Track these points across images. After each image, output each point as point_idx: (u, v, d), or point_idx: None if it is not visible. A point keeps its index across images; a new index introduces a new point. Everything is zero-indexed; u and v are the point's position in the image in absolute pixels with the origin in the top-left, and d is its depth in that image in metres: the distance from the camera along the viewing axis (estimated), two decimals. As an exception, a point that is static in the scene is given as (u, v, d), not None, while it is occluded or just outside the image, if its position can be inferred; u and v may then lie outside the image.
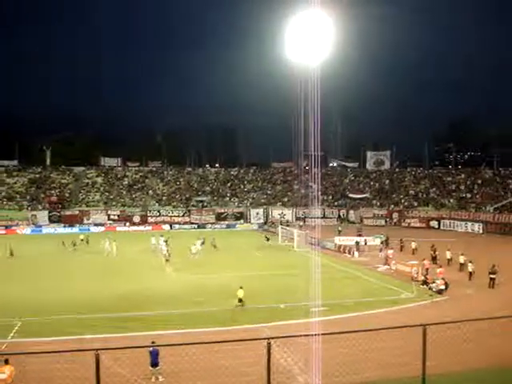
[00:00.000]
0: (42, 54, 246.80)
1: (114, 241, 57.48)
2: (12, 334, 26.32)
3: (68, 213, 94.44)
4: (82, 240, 65.39)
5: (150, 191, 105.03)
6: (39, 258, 55.11)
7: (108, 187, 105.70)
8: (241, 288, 31.49)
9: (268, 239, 68.68)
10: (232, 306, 31.17)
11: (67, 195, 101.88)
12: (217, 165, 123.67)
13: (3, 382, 17.00)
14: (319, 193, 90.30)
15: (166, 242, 58.08)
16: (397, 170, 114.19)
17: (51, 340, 24.82)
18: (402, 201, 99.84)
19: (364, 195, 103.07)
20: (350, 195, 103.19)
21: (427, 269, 40.63)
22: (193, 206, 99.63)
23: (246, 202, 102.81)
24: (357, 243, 57.16)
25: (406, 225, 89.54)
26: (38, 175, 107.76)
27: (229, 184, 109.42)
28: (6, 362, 17.32)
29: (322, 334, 11.50)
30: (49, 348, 22.46)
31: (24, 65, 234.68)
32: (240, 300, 31.17)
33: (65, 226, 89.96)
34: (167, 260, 49.94)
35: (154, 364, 19.44)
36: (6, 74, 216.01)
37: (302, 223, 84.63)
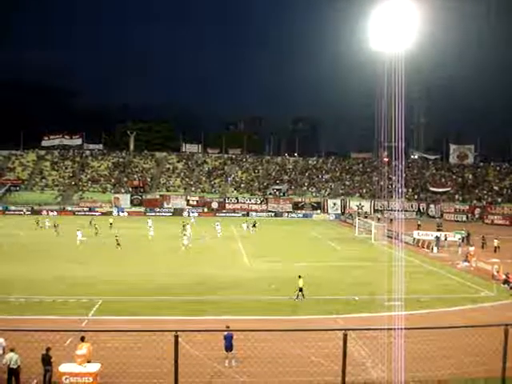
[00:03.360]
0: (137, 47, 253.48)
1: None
2: (93, 312, 27.35)
3: (149, 197, 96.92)
4: (111, 224, 66.24)
5: (229, 178, 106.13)
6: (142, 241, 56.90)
7: (188, 173, 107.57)
8: (300, 277, 31.20)
9: (254, 225, 68.95)
10: (306, 295, 31.15)
11: (149, 180, 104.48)
12: (295, 154, 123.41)
13: (83, 357, 17.66)
14: (399, 185, 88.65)
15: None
16: (481, 164, 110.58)
17: (129, 319, 25.63)
18: (486, 196, 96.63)
19: (446, 189, 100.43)
20: (431, 189, 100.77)
21: None
22: (270, 194, 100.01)
23: (323, 192, 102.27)
24: (436, 238, 55.80)
25: (489, 221, 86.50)
26: (121, 159, 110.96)
27: (307, 173, 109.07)
28: (82, 339, 18.00)
29: (398, 329, 11.31)
30: (127, 327, 23.20)
31: (112, 57, 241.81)
32: (301, 289, 30.89)
33: (146, 210, 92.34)
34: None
35: (228, 348, 19.73)
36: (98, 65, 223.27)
37: (380, 215, 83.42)
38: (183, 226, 61.34)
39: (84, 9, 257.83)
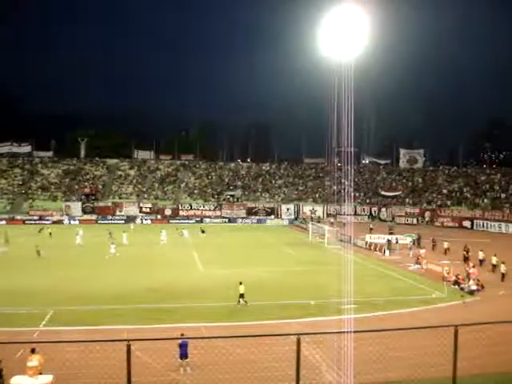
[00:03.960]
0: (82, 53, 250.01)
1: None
2: (44, 323, 26.80)
3: (101, 204, 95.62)
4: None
5: (182, 185, 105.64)
6: (70, 248, 55.89)
7: (141, 180, 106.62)
8: (241, 284, 31.11)
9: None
10: (262, 300, 31.17)
11: (100, 187, 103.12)
12: (248, 160, 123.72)
13: (34, 368, 17.28)
14: (351, 190, 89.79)
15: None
16: (430, 168, 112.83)
17: (82, 329, 25.20)
18: (435, 200, 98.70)
19: (396, 193, 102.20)
20: (382, 193, 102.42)
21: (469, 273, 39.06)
22: (224, 200, 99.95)
23: (277, 197, 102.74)
24: (388, 241, 56.68)
25: (439, 224, 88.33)
26: (72, 167, 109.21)
27: (260, 179, 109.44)
28: (33, 350, 17.60)
29: (352, 332, 11.46)
30: (79, 337, 22.82)
31: (63, 63, 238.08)
32: (241, 295, 30.79)
33: (98, 218, 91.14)
34: None
35: (183, 356, 19.61)
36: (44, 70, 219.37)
37: (333, 220, 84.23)
38: (109, 233, 62.00)
39: (28, 10, 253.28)
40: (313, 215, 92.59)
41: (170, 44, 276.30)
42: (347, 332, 11.54)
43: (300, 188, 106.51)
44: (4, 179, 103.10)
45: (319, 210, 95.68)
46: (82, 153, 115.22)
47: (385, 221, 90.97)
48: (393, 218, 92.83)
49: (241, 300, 30.66)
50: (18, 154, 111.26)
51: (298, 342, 8.96)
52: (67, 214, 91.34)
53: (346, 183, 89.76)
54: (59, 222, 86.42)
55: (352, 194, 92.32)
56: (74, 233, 60.68)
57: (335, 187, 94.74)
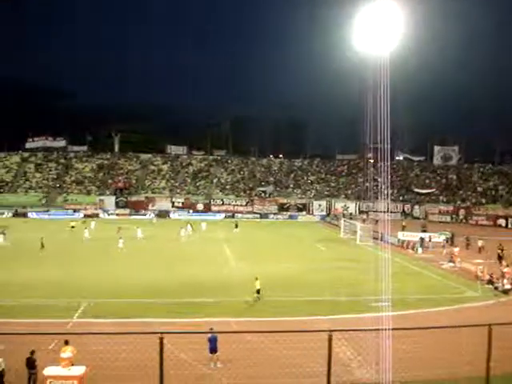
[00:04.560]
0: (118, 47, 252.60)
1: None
2: (77, 315, 27.16)
3: (134, 199, 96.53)
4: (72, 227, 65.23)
5: (214, 180, 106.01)
6: (105, 241, 56.50)
7: (173, 175, 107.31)
8: (257, 279, 31.19)
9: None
10: (291, 296, 31.11)
11: (134, 181, 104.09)
12: (281, 155, 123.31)
13: (67, 360, 17.53)
14: (384, 186, 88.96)
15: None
16: (465, 165, 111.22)
17: (114, 322, 25.46)
18: (470, 197, 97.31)
19: (430, 190, 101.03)
20: (416, 190, 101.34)
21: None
22: (256, 195, 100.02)
23: (308, 193, 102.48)
24: (421, 239, 56.05)
25: (473, 222, 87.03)
26: (106, 161, 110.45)
27: (292, 175, 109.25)
28: (67, 342, 17.88)
29: (384, 330, 11.33)
30: (112, 329, 23.07)
31: (98, 56, 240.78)
32: (258, 291, 30.81)
33: (131, 212, 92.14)
34: None
35: (213, 350, 19.67)
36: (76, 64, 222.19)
37: (365, 217, 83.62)
38: (118, 228, 62.40)
39: (65, 10, 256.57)
40: (345, 212, 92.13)
41: (203, 40, 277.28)
42: (379, 329, 11.42)
43: (332, 184, 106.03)
44: (39, 173, 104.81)
45: (351, 207, 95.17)
46: (116, 147, 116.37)
47: (418, 218, 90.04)
48: (426, 216, 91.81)
49: (256, 295, 30.68)
50: (53, 149, 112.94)
51: (330, 339, 8.90)
52: (101, 208, 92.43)
53: (379, 180, 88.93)
54: (95, 215, 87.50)
55: (385, 191, 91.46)
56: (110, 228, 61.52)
57: (368, 184, 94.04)
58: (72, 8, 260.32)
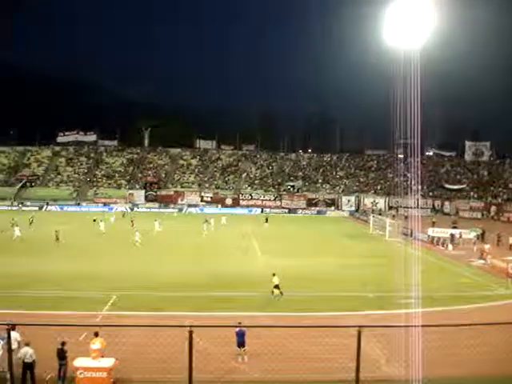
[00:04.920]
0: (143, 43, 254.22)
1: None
2: (107, 307, 27.48)
3: (163, 193, 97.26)
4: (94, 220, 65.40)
5: (243, 175, 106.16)
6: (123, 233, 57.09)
7: (202, 169, 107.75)
8: (274, 275, 31.04)
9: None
10: (318, 292, 31.03)
11: (163, 176, 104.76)
12: (310, 150, 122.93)
13: (97, 351, 17.77)
14: (414, 182, 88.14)
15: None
16: (497, 161, 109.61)
17: (143, 314, 25.70)
18: (501, 194, 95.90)
19: (461, 186, 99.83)
20: (446, 186, 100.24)
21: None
22: (284, 190, 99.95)
23: (337, 188, 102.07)
24: (451, 236, 55.48)
25: (505, 219, 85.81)
26: (136, 155, 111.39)
27: (321, 170, 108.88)
28: (96, 334, 18.12)
29: (413, 326, 11.26)
30: (141, 322, 23.29)
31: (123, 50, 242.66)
32: (276, 287, 30.61)
33: (161, 206, 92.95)
34: None
35: (241, 344, 19.74)
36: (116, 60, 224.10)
37: (394, 213, 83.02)
38: (131, 221, 63.77)
39: (95, 7, 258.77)
40: (374, 207, 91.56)
41: (230, 35, 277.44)
42: (409, 326, 11.33)
43: (361, 180, 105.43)
44: (70, 167, 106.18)
45: (380, 203, 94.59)
46: (146, 142, 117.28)
47: (448, 214, 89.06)
48: (456, 212, 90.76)
49: (275, 291, 30.57)
50: (84, 143, 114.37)
51: (359, 335, 8.87)
52: (130, 202, 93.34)
53: (409, 175, 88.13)
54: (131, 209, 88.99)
55: (415, 187, 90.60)
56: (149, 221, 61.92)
57: (398, 179, 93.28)
58: (99, 6, 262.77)
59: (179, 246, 50.27)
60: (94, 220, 64.27)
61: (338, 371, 17.14)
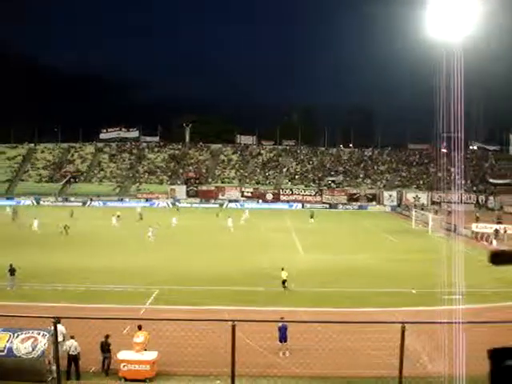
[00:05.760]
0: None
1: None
2: (149, 301, 27.85)
3: (204, 188, 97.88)
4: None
5: (284, 170, 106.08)
6: (178, 230, 57.62)
7: (243, 164, 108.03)
8: (283, 269, 31.12)
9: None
10: (360, 287, 30.85)
11: (204, 171, 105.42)
12: (350, 145, 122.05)
13: (140, 345, 18.03)
14: (457, 177, 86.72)
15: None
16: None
17: (185, 309, 25.94)
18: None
19: (505, 181, 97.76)
20: (491, 180, 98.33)
21: None
22: (325, 185, 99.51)
23: (379, 183, 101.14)
24: (495, 231, 54.42)
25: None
26: (177, 151, 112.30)
27: (362, 165, 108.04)
28: (140, 327, 18.40)
29: (458, 323, 11.09)
30: (183, 316, 23.53)
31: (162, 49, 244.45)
32: (284, 282, 30.63)
33: (202, 201, 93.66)
34: None
35: (283, 339, 19.76)
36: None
37: (437, 207, 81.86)
38: (140, 216, 64.68)
39: (137, 6, 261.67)
40: (416, 202, 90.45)
41: (270, 31, 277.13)
42: (453, 323, 11.18)
43: (403, 174, 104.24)
44: (113, 163, 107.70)
45: (423, 197, 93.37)
46: (187, 138, 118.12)
47: (492, 209, 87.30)
48: (501, 207, 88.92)
49: (284, 285, 30.58)
50: (127, 139, 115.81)
51: (403, 331, 8.78)
52: (172, 197, 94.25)
53: (452, 170, 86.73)
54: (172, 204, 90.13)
55: (459, 182, 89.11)
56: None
57: (440, 174, 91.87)
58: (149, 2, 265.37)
59: (214, 242, 50.39)
60: (118, 216, 63.49)
61: (380, 367, 17.05)
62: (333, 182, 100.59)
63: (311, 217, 69.37)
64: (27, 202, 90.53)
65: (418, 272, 36.46)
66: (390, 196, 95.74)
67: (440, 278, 27.16)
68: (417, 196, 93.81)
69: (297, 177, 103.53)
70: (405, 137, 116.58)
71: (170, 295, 29.11)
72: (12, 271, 30.29)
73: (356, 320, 22.41)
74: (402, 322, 9.04)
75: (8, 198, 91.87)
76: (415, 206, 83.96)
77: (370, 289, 31.50)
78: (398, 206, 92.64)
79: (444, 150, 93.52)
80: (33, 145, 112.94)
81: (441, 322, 14.31)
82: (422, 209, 78.35)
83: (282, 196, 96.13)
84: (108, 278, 33.20)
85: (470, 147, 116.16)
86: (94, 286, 30.76)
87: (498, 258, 1.66)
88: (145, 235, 49.52)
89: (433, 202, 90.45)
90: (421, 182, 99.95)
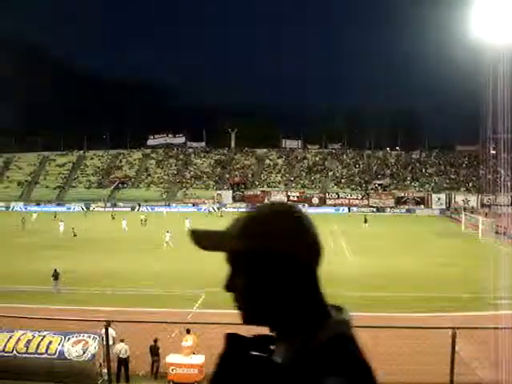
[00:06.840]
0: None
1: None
2: (197, 305, 28.07)
3: (250, 193, 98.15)
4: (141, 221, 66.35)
5: (330, 173, 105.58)
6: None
7: (288, 169, 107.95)
8: None
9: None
10: (409, 292, 30.47)
11: (250, 176, 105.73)
12: (397, 147, 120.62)
13: (189, 348, 18.18)
14: (508, 179, 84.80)
15: None
16: None
17: (233, 312, 25.97)
18: None
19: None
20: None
21: None
22: (372, 189, 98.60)
23: (427, 186, 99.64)
24: (549, 234, 53.01)
25: None
26: (223, 156, 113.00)
27: (410, 167, 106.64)
28: (188, 331, 18.55)
29: (509, 328, 10.86)
30: (230, 320, 23.62)
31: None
32: None
33: (247, 206, 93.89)
34: None
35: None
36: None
37: (487, 211, 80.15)
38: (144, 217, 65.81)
39: (184, 9, 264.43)
40: (466, 205, 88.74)
41: (317, 33, 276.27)
42: (505, 328, 10.94)
43: (452, 177, 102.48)
44: (160, 169, 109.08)
45: (472, 200, 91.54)
46: (233, 143, 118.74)
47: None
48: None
49: None
50: (173, 145, 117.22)
51: (453, 337, 8.67)
52: (218, 202, 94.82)
53: (503, 172, 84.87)
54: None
55: (509, 184, 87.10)
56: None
57: (490, 176, 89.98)
58: (201, 7, 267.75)
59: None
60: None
61: (430, 374, 16.79)
62: (380, 185, 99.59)
63: (365, 221, 68.43)
64: (77, 208, 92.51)
65: (467, 276, 35.78)
66: (439, 199, 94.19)
67: (490, 282, 26.63)
68: (466, 199, 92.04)
69: (343, 180, 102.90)
70: (452, 138, 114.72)
71: (216, 299, 29.23)
72: (56, 276, 31.09)
73: (405, 325, 22.09)
74: (453, 328, 8.91)
75: (58, 205, 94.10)
76: (465, 209, 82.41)
77: (418, 293, 31.00)
78: (447, 209, 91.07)
79: (493, 152, 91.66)
80: (82, 152, 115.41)
81: (493, 328, 13.98)
82: (472, 212, 76.85)
83: (328, 200, 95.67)
84: (154, 281, 33.60)
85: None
86: (140, 290, 31.15)
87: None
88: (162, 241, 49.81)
89: (482, 205, 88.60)
90: (470, 185, 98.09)
